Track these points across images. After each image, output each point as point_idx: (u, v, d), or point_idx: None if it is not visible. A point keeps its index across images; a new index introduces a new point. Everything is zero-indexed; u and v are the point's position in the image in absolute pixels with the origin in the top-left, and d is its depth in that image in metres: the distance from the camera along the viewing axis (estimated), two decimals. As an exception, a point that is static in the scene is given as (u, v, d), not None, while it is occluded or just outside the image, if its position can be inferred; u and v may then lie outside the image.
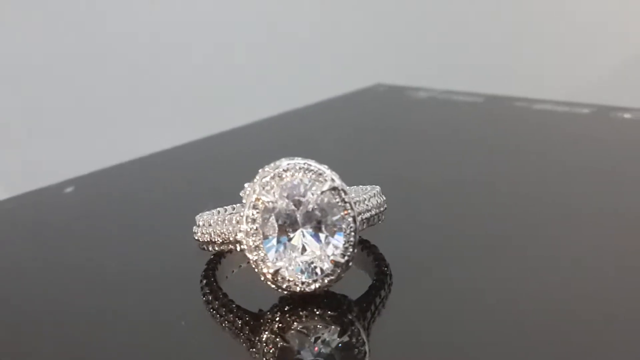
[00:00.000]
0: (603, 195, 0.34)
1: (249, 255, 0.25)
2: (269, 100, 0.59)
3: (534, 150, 0.41)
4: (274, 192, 0.24)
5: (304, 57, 0.76)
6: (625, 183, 0.35)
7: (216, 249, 0.27)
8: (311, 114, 0.51)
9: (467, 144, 0.43)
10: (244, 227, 0.25)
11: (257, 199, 0.24)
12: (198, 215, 0.28)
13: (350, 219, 0.25)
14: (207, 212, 0.29)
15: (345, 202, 0.25)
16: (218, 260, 0.29)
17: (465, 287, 0.26)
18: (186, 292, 0.27)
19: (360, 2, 0.73)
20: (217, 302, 0.26)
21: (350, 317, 0.25)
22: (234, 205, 0.30)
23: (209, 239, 0.27)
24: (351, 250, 0.25)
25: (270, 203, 0.24)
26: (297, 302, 0.25)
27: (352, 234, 0.25)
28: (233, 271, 0.29)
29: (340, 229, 0.25)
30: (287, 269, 0.24)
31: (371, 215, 0.27)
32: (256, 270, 0.25)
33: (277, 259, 0.24)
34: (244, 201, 0.25)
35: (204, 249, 0.28)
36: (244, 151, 0.44)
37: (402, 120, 0.50)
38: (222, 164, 0.43)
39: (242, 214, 0.25)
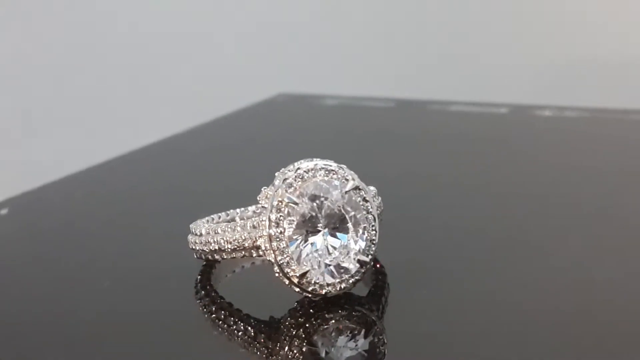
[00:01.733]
0: (527, 192, 0.35)
1: (273, 260, 0.24)
2: (158, 124, 0.56)
3: (451, 151, 0.42)
4: (297, 194, 0.24)
5: (200, 72, 0.74)
6: (553, 177, 0.37)
7: (224, 257, 0.26)
8: (213, 129, 0.50)
9: (383, 149, 0.43)
10: (266, 231, 0.24)
11: (281, 202, 0.24)
12: (193, 224, 0.28)
13: (372, 218, 0.25)
14: (201, 221, 0.28)
15: (367, 202, 0.25)
16: (210, 267, 0.28)
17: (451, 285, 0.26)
18: (186, 302, 0.27)
19: (253, 10, 0.72)
20: (222, 312, 0.25)
21: (373, 316, 0.25)
22: (228, 212, 0.29)
23: (216, 248, 0.26)
24: (374, 248, 0.25)
25: (294, 205, 0.24)
26: (313, 306, 0.25)
27: (374, 232, 0.25)
28: (226, 275, 0.28)
29: (364, 228, 0.25)
30: (313, 271, 0.24)
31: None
32: (279, 274, 0.24)
33: (303, 262, 0.24)
34: (264, 205, 0.24)
35: (207, 258, 0.27)
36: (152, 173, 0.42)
37: (315, 128, 0.50)
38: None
39: (263, 218, 0.24)
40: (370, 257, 0.24)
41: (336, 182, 0.24)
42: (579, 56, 0.61)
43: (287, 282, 0.24)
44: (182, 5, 0.74)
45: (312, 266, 0.24)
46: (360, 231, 0.24)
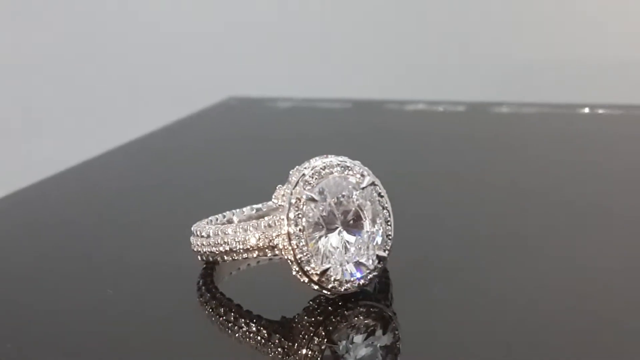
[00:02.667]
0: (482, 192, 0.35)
1: (292, 258, 0.24)
2: (111, 132, 0.55)
3: (409, 150, 0.42)
4: (315, 191, 0.24)
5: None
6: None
7: (235, 257, 0.26)
8: (164, 136, 0.49)
9: (341, 151, 0.42)
10: (285, 229, 0.24)
11: (299, 199, 0.24)
12: (195, 226, 0.27)
13: (387, 213, 0.25)
14: (204, 222, 0.28)
15: (382, 197, 0.25)
16: (211, 269, 0.28)
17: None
18: (193, 305, 0.26)
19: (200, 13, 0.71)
20: (232, 314, 0.25)
21: (389, 312, 0.25)
22: (224, 214, 0.29)
23: (227, 249, 0.25)
24: (391, 243, 0.25)
25: (313, 202, 0.24)
26: (332, 303, 0.24)
27: (390, 227, 0.25)
28: (224, 278, 0.28)
29: (380, 224, 0.25)
30: (334, 268, 0.24)
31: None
32: (299, 273, 0.24)
33: (323, 259, 0.24)
34: (280, 204, 0.24)
35: (216, 260, 0.26)
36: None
37: (270, 132, 0.49)
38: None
39: (280, 216, 0.24)
40: (387, 251, 0.25)
41: (352, 179, 0.24)
42: (535, 55, 0.62)
43: (306, 280, 0.24)
44: (132, 7, 0.72)
45: (332, 263, 0.24)
46: (377, 226, 0.24)
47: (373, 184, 0.24)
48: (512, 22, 0.63)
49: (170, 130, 0.49)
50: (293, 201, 0.24)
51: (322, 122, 0.51)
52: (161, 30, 0.72)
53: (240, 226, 0.25)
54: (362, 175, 0.24)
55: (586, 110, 0.47)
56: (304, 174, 0.24)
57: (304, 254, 0.23)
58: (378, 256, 0.24)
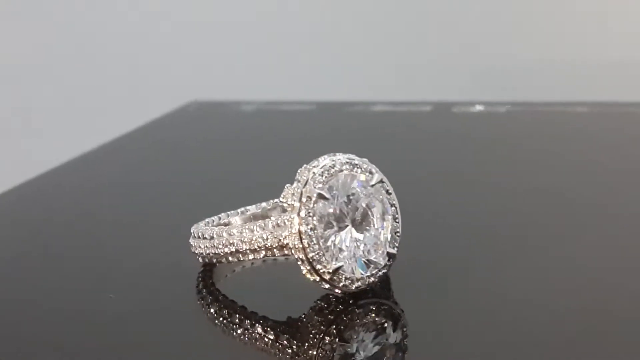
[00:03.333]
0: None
1: (303, 257, 0.23)
2: (72, 141, 0.54)
3: (376, 150, 0.42)
4: (326, 189, 0.24)
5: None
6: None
7: (240, 258, 0.25)
8: (126, 142, 0.48)
9: (307, 153, 0.42)
10: (296, 228, 0.23)
11: (309, 198, 0.24)
12: (194, 228, 0.27)
13: (394, 210, 0.25)
14: (202, 223, 0.27)
15: (390, 194, 0.25)
16: (210, 270, 0.27)
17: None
18: (196, 307, 0.26)
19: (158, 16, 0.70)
20: (237, 316, 0.25)
21: (398, 310, 0.24)
22: (220, 216, 0.29)
23: (232, 250, 0.25)
24: (399, 240, 0.25)
25: (324, 200, 0.24)
26: (342, 302, 0.24)
27: (398, 224, 0.25)
28: (225, 276, 0.28)
29: (389, 221, 0.25)
30: (346, 266, 0.24)
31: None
32: (310, 272, 0.24)
33: (335, 257, 0.24)
34: (290, 202, 0.24)
35: (220, 261, 0.26)
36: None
37: (235, 136, 0.49)
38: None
39: (291, 215, 0.24)
40: (396, 248, 0.25)
41: (361, 176, 0.24)
42: (498, 55, 0.63)
43: (317, 279, 0.24)
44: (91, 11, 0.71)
45: (344, 261, 0.24)
46: (386, 223, 0.24)
47: (382, 181, 0.24)
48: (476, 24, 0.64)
49: (132, 137, 0.48)
50: (304, 200, 0.23)
51: (288, 125, 0.51)
52: (122, 35, 0.71)
53: (246, 227, 0.25)
54: (371, 173, 0.24)
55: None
56: (314, 173, 0.24)
57: (316, 252, 0.23)
58: (388, 253, 0.24)
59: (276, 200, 0.29)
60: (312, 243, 0.23)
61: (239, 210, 0.29)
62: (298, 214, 0.23)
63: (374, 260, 0.24)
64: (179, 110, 0.55)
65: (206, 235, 0.26)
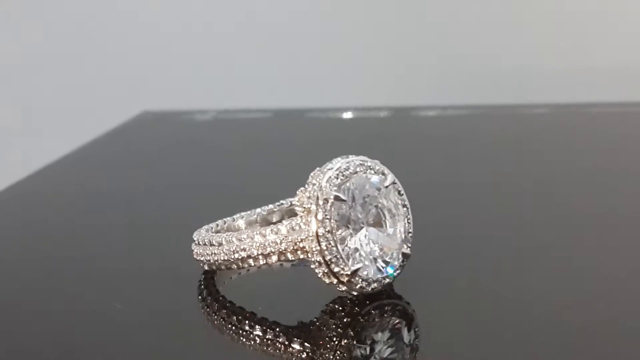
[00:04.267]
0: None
1: (321, 260, 0.23)
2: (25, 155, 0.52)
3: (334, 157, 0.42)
4: (342, 191, 0.24)
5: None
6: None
7: (251, 264, 0.25)
8: (79, 157, 0.46)
9: (265, 161, 0.43)
10: (313, 231, 0.23)
11: (326, 200, 0.23)
12: (196, 235, 0.27)
13: (406, 210, 0.25)
14: (203, 230, 0.27)
15: (402, 195, 0.25)
16: (211, 277, 0.27)
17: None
18: (203, 315, 0.26)
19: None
20: (247, 322, 0.24)
21: (410, 310, 0.24)
22: (217, 223, 0.28)
23: (244, 255, 0.25)
24: (412, 240, 0.25)
25: (340, 203, 0.24)
26: (357, 303, 0.24)
27: (410, 225, 0.25)
28: (223, 282, 0.27)
29: (402, 221, 0.25)
30: (364, 268, 0.24)
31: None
32: (327, 274, 0.24)
33: (352, 259, 0.24)
34: (307, 206, 0.24)
35: (230, 268, 0.26)
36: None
37: (190, 146, 0.48)
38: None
39: (308, 218, 0.24)
40: (410, 249, 0.25)
41: (375, 178, 0.24)
42: (458, 56, 0.64)
43: (334, 281, 0.24)
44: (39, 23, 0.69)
45: (361, 263, 0.24)
46: (400, 224, 0.25)
47: (395, 182, 0.25)
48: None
49: (85, 150, 0.47)
50: (320, 203, 0.23)
51: (243, 133, 0.50)
52: (73, 44, 0.69)
53: (257, 232, 0.24)
54: (384, 174, 0.25)
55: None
56: (329, 176, 0.24)
57: (334, 255, 0.23)
58: (403, 254, 0.24)
59: (270, 205, 0.29)
60: (330, 245, 0.23)
61: (234, 217, 0.29)
62: (315, 217, 0.23)
63: (389, 260, 0.24)
64: (132, 122, 0.54)
65: (214, 242, 0.25)
